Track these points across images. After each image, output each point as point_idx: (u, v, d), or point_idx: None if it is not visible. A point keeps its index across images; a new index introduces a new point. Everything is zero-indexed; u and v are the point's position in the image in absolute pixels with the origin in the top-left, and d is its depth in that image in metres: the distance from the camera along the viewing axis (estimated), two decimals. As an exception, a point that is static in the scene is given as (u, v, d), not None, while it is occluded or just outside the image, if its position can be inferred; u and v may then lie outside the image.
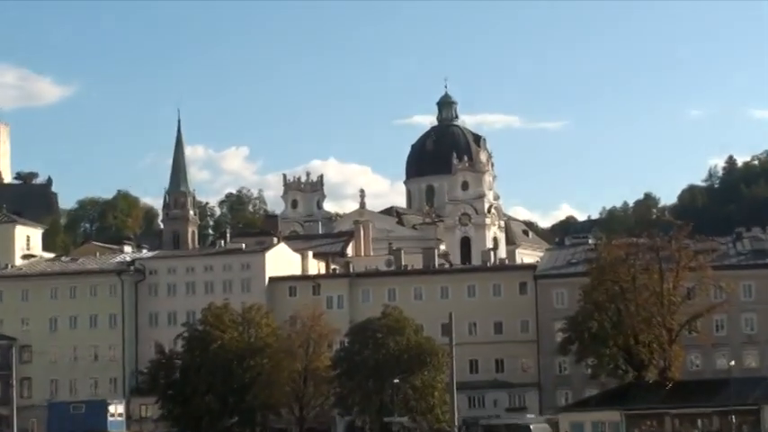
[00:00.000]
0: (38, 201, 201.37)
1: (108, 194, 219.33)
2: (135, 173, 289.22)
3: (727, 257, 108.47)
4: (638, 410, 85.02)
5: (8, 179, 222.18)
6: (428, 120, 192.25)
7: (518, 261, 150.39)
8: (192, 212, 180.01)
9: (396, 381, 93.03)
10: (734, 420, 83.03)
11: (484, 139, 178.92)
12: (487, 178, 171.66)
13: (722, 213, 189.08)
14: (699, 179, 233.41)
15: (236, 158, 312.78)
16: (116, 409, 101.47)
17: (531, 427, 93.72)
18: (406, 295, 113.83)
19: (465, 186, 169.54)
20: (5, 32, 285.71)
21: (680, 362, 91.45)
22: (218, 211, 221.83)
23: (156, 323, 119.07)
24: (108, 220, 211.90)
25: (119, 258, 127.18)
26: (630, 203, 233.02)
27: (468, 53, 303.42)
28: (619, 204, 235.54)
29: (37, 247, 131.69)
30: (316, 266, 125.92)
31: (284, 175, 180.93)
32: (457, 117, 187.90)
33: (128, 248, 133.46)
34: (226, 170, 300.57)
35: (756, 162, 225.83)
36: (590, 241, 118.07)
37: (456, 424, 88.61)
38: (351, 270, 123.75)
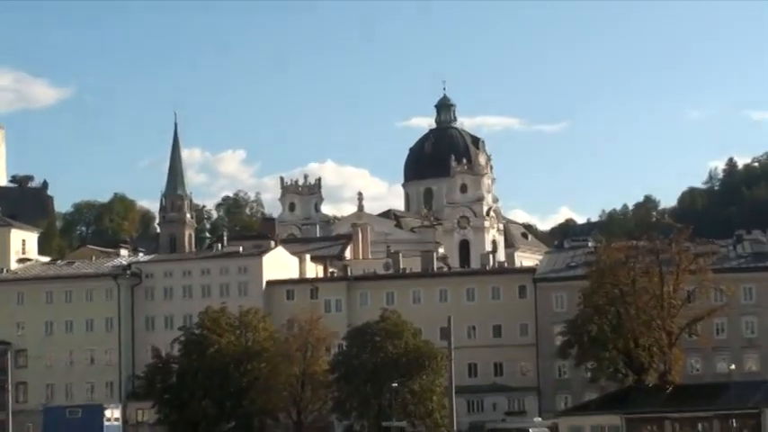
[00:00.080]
0: (33, 204, 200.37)
1: (104, 198, 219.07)
2: (131, 176, 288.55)
3: (727, 260, 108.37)
4: (639, 414, 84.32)
5: (3, 182, 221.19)
6: (426, 122, 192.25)
7: (517, 264, 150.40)
8: (188, 216, 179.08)
9: (394, 385, 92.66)
10: (734, 424, 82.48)
11: (482, 142, 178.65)
12: (486, 181, 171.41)
13: (722, 216, 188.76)
14: (699, 181, 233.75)
15: (233, 161, 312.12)
16: (112, 413, 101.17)
17: (534, 431, 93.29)
18: (405, 299, 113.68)
19: (464, 189, 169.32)
20: (1, 35, 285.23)
21: (680, 365, 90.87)
22: (215, 215, 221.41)
23: (153, 327, 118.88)
24: (104, 223, 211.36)
25: (115, 262, 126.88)
26: (630, 206, 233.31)
27: (467, 55, 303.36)
28: (618, 207, 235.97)
29: (32, 251, 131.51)
30: (313, 270, 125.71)
31: (281, 178, 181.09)
32: (455, 119, 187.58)
33: (124, 252, 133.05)
34: (223, 173, 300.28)
35: (757, 164, 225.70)
36: (589, 244, 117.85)
37: (455, 428, 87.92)
38: (349, 273, 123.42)
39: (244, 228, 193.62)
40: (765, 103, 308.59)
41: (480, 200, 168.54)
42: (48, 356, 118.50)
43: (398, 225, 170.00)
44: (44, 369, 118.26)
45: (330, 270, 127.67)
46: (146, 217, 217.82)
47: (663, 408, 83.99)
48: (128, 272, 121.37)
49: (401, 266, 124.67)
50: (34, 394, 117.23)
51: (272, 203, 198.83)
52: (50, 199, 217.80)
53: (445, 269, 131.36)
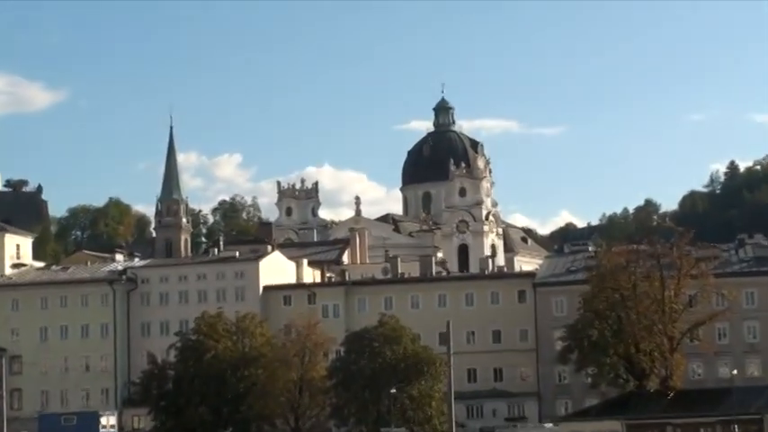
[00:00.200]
0: (28, 209, 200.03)
1: (99, 202, 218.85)
2: (127, 180, 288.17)
3: (729, 264, 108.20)
4: (640, 420, 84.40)
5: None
6: (425, 125, 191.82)
7: (517, 269, 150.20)
8: (184, 220, 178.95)
9: (392, 391, 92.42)
10: (736, 430, 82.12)
11: (481, 145, 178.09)
12: (485, 185, 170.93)
13: (724, 219, 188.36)
14: (700, 185, 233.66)
15: (229, 165, 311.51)
16: (108, 420, 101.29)
17: None
18: (403, 304, 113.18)
19: (462, 193, 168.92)
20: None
21: (681, 370, 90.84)
22: (211, 219, 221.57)
23: (149, 333, 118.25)
24: (99, 228, 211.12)
25: (110, 267, 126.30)
26: (631, 210, 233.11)
27: (465, 58, 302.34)
28: (619, 211, 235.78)
29: (27, 256, 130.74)
30: (311, 275, 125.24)
31: (278, 182, 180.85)
32: (454, 122, 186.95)
33: (119, 257, 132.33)
34: (219, 177, 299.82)
35: (759, 167, 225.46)
36: (590, 248, 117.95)
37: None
38: (346, 278, 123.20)
39: (240, 232, 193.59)
40: (767, 106, 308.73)
41: (479, 204, 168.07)
42: (42, 363, 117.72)
43: (397, 229, 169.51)
44: (39, 375, 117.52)
45: (328, 275, 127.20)
46: (141, 221, 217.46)
47: (664, 413, 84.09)
48: (123, 277, 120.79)
49: (399, 271, 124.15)
50: (29, 401, 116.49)
51: (268, 208, 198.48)
52: (45, 203, 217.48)
53: (444, 274, 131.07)
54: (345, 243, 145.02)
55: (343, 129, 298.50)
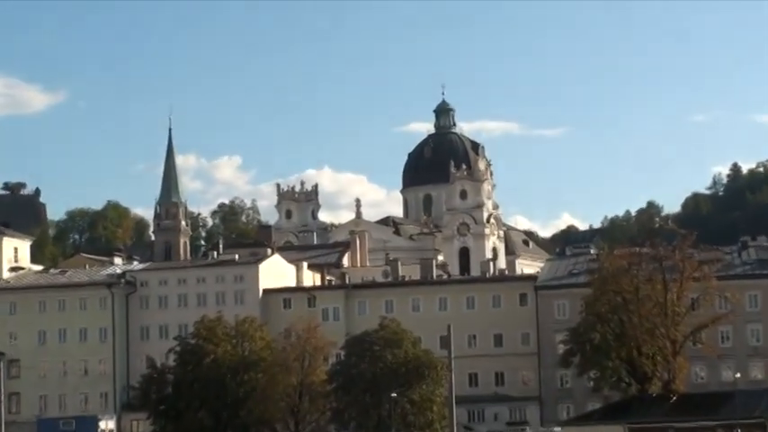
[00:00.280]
0: (26, 212, 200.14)
1: (97, 205, 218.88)
2: (125, 183, 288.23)
3: (732, 267, 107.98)
4: (642, 424, 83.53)
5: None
6: (425, 127, 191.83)
7: (518, 272, 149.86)
8: (183, 223, 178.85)
9: (393, 395, 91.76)
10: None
11: (482, 147, 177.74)
12: (486, 187, 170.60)
13: (727, 221, 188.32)
14: (703, 187, 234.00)
15: (228, 168, 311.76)
16: (107, 424, 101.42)
17: None
18: (404, 307, 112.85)
19: (463, 195, 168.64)
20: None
21: (684, 374, 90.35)
22: (210, 222, 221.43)
23: (148, 336, 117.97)
24: (98, 231, 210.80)
25: (109, 270, 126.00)
26: (633, 212, 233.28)
27: (466, 59, 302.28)
28: (621, 213, 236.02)
29: (25, 260, 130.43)
30: (311, 278, 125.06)
31: (278, 185, 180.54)
32: (455, 124, 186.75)
33: (118, 260, 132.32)
34: (218, 180, 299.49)
35: (761, 169, 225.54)
36: (592, 251, 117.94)
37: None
38: (347, 281, 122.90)
39: (240, 235, 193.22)
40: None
41: (480, 206, 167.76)
42: (41, 367, 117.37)
43: (397, 232, 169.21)
44: (37, 379, 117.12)
45: (328, 278, 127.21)
46: (140, 224, 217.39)
47: (667, 417, 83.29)
48: (122, 280, 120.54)
49: (400, 274, 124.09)
50: (27, 405, 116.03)
51: (268, 211, 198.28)
52: (43, 206, 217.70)
53: (445, 277, 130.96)
54: (345, 246, 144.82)
55: (343, 131, 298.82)
